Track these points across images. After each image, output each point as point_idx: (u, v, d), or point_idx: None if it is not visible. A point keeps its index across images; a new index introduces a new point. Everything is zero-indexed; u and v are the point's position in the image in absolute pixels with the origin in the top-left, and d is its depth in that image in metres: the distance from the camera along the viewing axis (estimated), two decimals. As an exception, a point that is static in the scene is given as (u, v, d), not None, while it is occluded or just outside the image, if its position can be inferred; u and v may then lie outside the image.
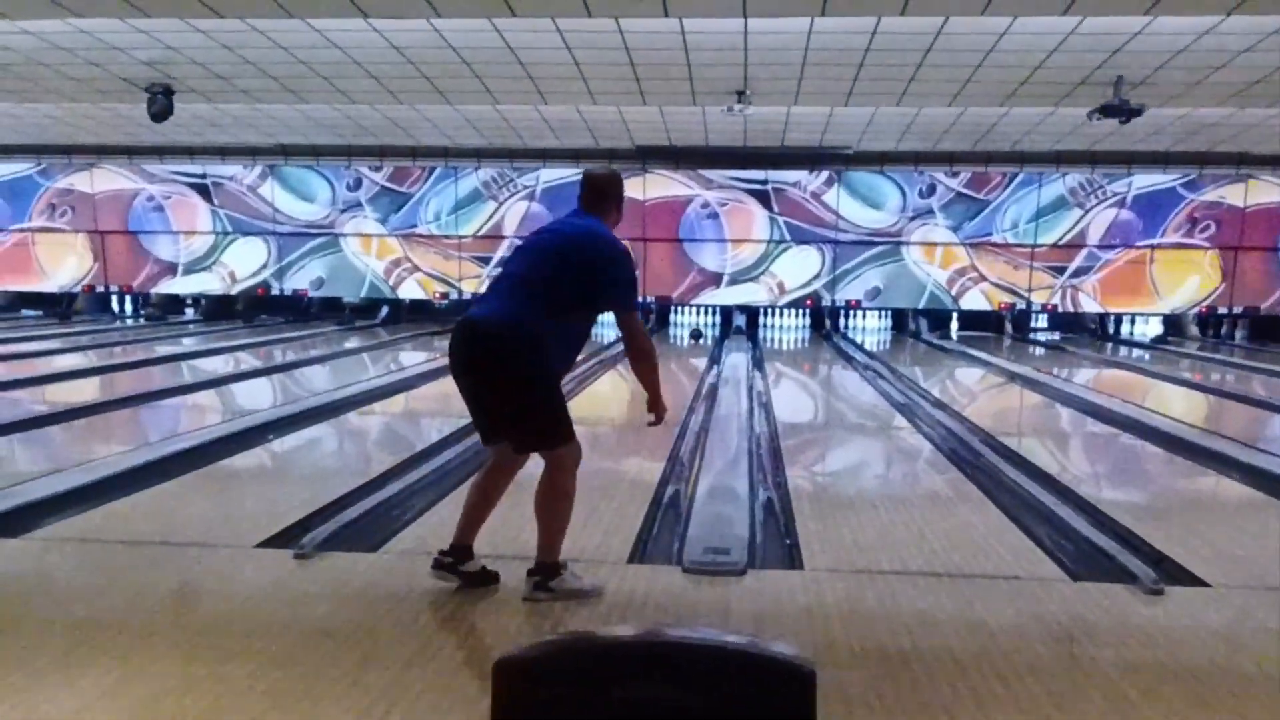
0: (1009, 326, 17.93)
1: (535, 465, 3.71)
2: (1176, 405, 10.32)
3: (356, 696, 2.78)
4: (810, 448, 7.52)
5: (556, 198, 16.31)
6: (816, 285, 17.15)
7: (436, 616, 3.48)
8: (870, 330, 18.04)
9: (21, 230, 18.12)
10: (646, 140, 15.55)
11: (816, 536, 4.58)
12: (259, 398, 9.66)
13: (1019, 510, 5.19)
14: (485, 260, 17.32)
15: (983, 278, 16.90)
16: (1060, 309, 17.18)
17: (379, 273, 17.79)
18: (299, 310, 18.74)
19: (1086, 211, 16.51)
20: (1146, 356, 14.96)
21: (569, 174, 16.58)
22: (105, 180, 17.77)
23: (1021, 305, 17.13)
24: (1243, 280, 16.46)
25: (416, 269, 17.69)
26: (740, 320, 17.56)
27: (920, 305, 17.30)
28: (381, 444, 7.53)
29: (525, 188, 17.08)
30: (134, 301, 19.31)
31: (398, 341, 15.32)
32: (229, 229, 17.85)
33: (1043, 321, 18.40)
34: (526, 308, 3.54)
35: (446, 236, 17.44)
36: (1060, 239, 16.65)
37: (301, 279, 17.91)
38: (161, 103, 11.66)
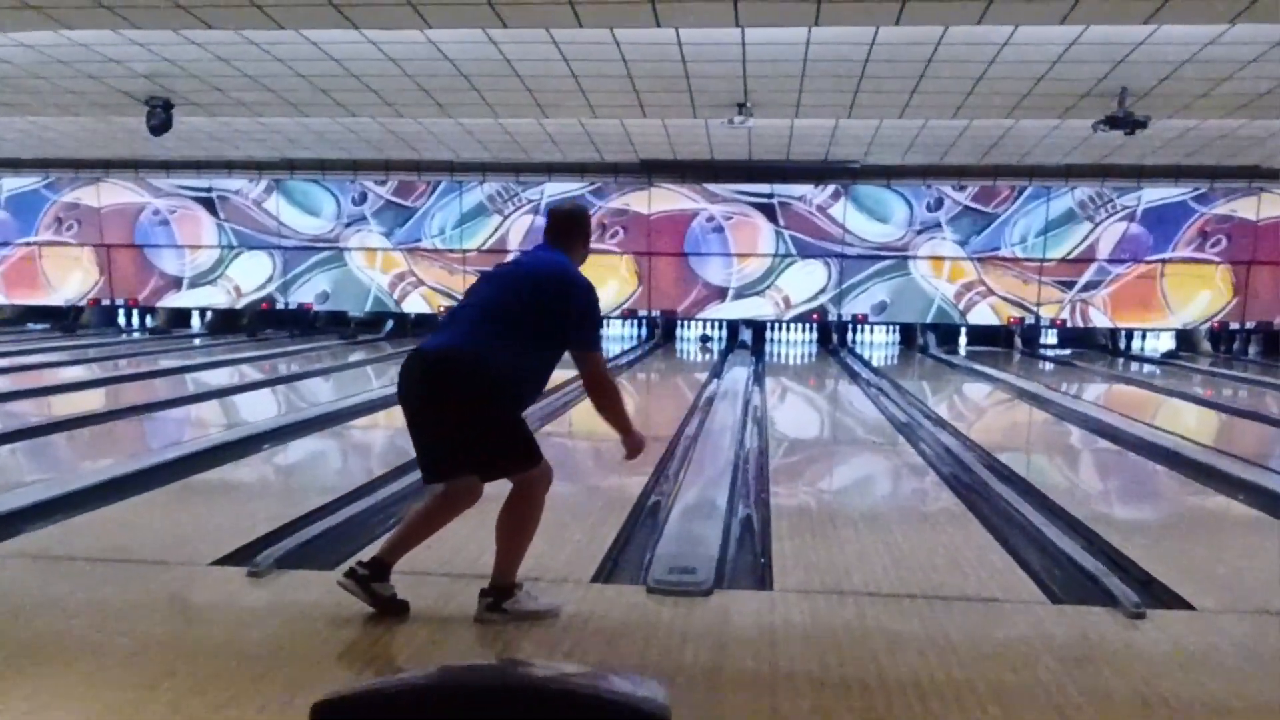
0: (1018, 341, 17.72)
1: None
2: (1182, 422, 10.12)
3: (277, 724, 2.66)
4: (799, 465, 7.37)
5: (560, 211, 16.20)
6: (823, 299, 17.01)
7: (382, 637, 3.36)
8: (878, 345, 17.87)
9: (29, 244, 18.20)
10: (651, 154, 15.47)
11: (791, 556, 4.44)
12: (243, 413, 9.55)
13: (1007, 530, 5.04)
14: (490, 274, 17.22)
15: (991, 292, 16.74)
16: (1070, 324, 16.98)
17: (384, 286, 17.78)
18: (304, 324, 18.73)
19: (1096, 225, 16.34)
20: (1157, 372, 14.73)
21: (574, 188, 16.56)
22: (111, 194, 17.85)
23: (1030, 320, 16.94)
24: (1255, 295, 16.23)
25: (421, 283, 17.65)
26: (746, 335, 17.44)
27: (928, 320, 17.14)
28: (358, 459, 7.40)
29: (530, 201, 17.02)
30: (140, 315, 19.34)
31: (398, 355, 15.22)
32: (234, 243, 17.87)
33: (1052, 337, 18.18)
34: (489, 340, 3.41)
35: (451, 250, 17.41)
36: (1070, 253, 16.48)
37: (306, 293, 17.92)
38: (161, 116, 11.67)
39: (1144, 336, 17.73)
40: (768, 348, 17.22)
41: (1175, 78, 9.93)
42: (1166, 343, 17.55)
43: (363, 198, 17.50)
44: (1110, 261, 16.45)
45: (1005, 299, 16.76)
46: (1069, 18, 7.85)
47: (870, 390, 11.33)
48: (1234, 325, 16.68)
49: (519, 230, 17.04)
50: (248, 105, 12.14)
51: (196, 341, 16.72)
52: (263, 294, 18.00)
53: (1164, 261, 16.34)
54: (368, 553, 3.64)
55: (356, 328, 18.50)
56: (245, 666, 3.05)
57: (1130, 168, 15.64)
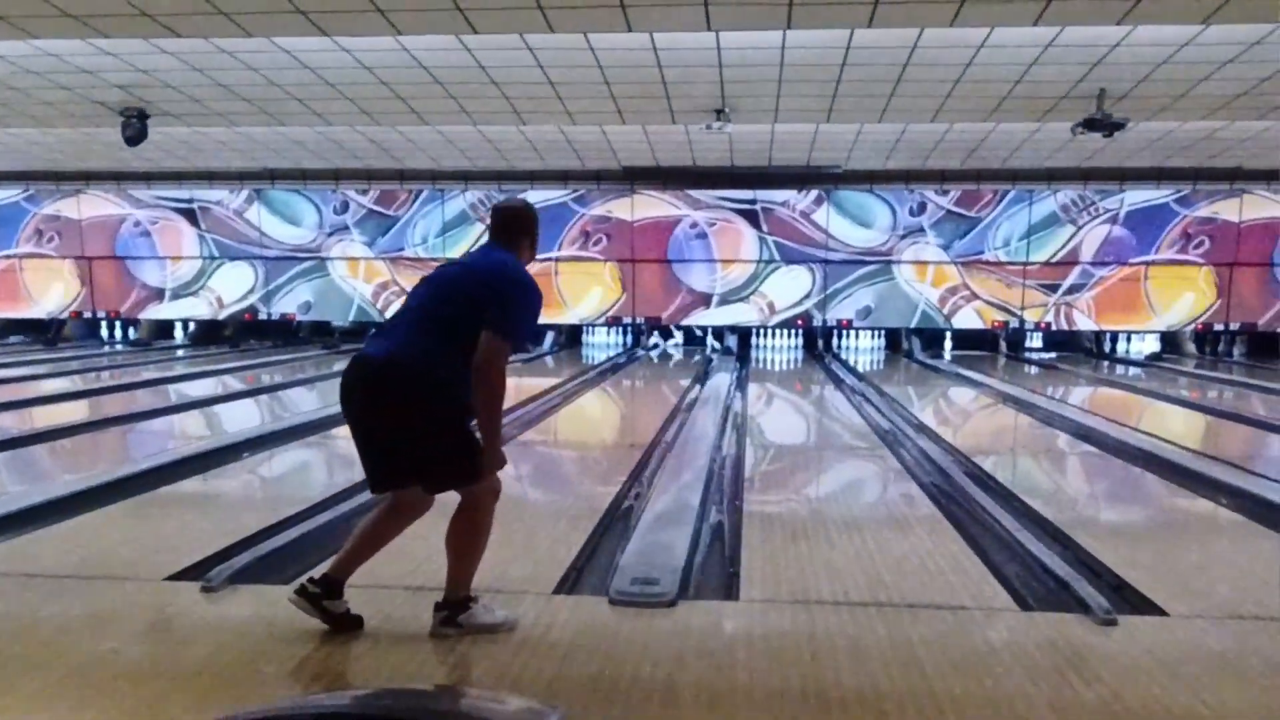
0: (1003, 345, 17.69)
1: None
2: (1165, 425, 10.08)
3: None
4: (776, 472, 7.29)
5: (543, 218, 16.11)
6: (807, 305, 16.97)
7: (333, 653, 3.27)
8: (863, 350, 17.83)
9: (9, 256, 18.07)
10: (633, 161, 15.42)
11: (761, 565, 4.36)
12: (214, 425, 9.44)
13: (983, 537, 4.96)
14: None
15: (975, 296, 16.71)
16: (1054, 327, 16.96)
17: (367, 296, 17.68)
18: (288, 334, 18.61)
19: (1079, 228, 16.33)
20: (1141, 374, 14.70)
21: (556, 195, 16.48)
22: (92, 206, 17.74)
23: (1015, 323, 16.92)
24: (1239, 296, 16.23)
25: (405, 292, 17.49)
26: (731, 341, 17.37)
27: (912, 324, 17.10)
28: (322, 474, 7.28)
29: (513, 210, 16.89)
30: (123, 327, 19.21)
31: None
32: (216, 253, 17.76)
33: (1038, 341, 18.17)
34: (430, 344, 3.31)
35: (434, 259, 17.29)
36: (1053, 256, 16.47)
37: (289, 303, 17.81)
38: (136, 126, 11.58)
39: (1129, 339, 17.73)
40: (754, 353, 17.17)
41: (1152, 79, 9.92)
42: (1151, 345, 17.55)
43: (345, 207, 17.42)
44: (1094, 264, 16.44)
45: (990, 303, 16.73)
46: (1042, 18, 7.81)
47: (854, 397, 11.26)
48: (1218, 326, 16.67)
49: (502, 238, 16.92)
50: (224, 115, 12.05)
51: (179, 353, 16.61)
52: (245, 305, 17.88)
53: (1147, 264, 16.33)
54: (321, 569, 3.55)
55: (340, 338, 18.40)
56: (187, 684, 2.96)
57: (1112, 170, 15.65)
